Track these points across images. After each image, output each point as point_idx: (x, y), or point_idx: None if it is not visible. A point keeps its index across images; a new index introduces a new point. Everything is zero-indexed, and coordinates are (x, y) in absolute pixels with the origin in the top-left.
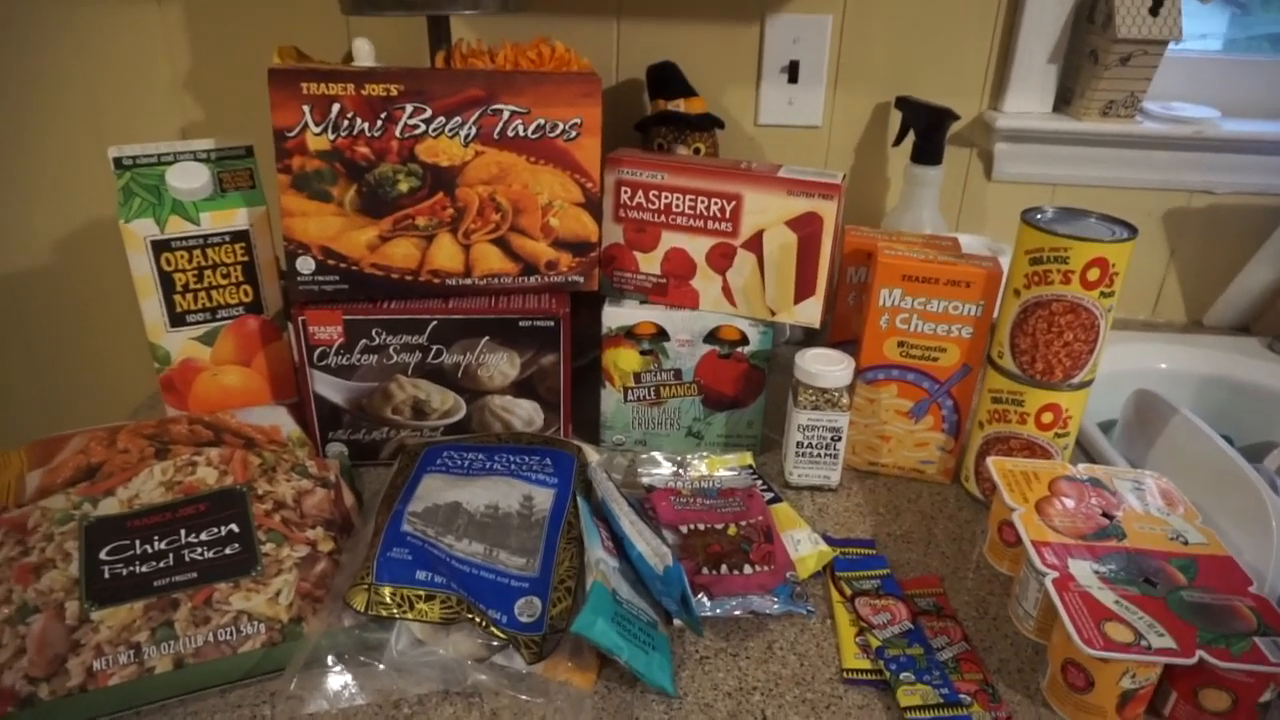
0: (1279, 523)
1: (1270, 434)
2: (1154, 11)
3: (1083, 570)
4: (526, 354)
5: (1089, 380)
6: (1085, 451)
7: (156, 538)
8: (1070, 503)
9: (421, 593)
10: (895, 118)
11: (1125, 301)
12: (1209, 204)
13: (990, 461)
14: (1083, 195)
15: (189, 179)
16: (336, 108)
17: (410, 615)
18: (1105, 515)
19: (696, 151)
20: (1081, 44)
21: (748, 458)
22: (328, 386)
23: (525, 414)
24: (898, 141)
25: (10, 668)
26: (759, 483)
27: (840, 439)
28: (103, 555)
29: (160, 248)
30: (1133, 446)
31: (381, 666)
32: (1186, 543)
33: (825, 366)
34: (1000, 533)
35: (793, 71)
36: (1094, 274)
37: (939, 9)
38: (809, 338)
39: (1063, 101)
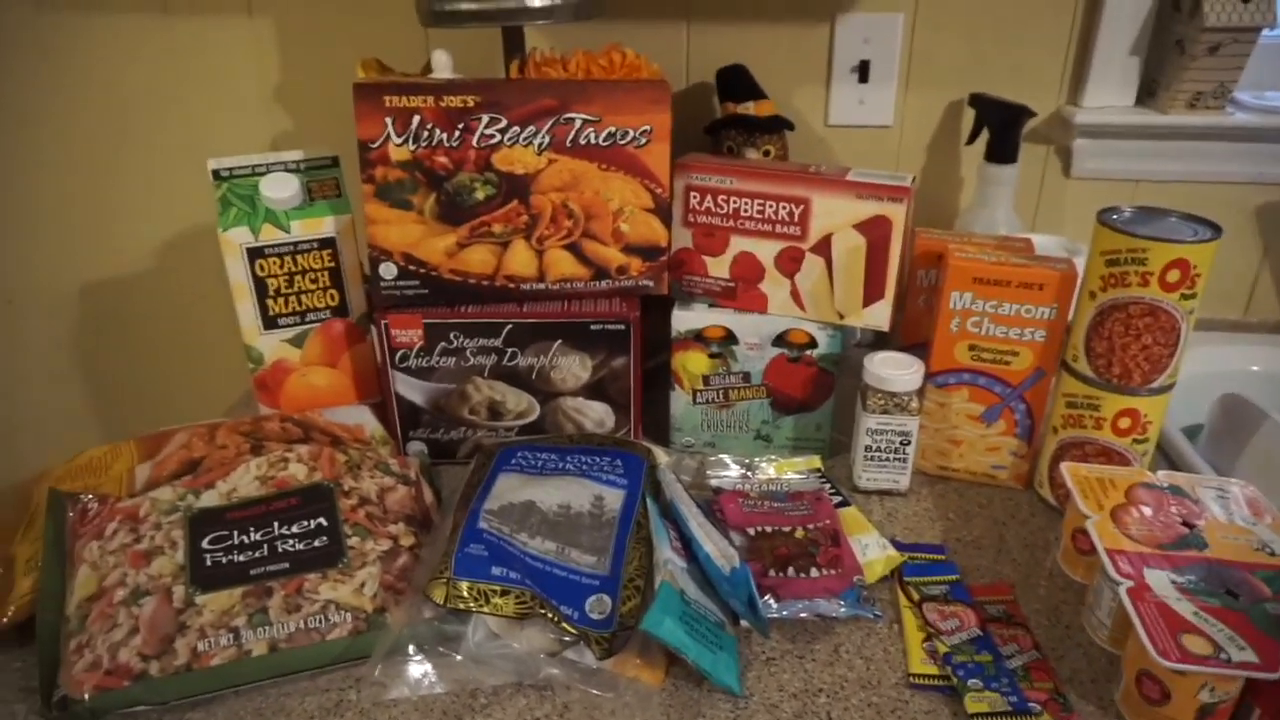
0: None
1: None
2: None
3: (1160, 580)
4: (598, 356)
5: (1169, 385)
6: (1168, 457)
7: (252, 529)
8: (1148, 511)
9: (497, 588)
10: (968, 115)
11: (1215, 301)
12: None
13: (1065, 467)
14: (1167, 191)
15: (281, 189)
16: (417, 119)
17: (486, 609)
18: (1186, 524)
19: (766, 154)
20: (1166, 34)
21: (816, 461)
22: (408, 387)
23: (596, 415)
24: (971, 140)
25: (126, 645)
26: (827, 486)
27: (909, 443)
28: (204, 544)
29: (254, 254)
30: (1220, 453)
31: (459, 657)
32: (1273, 554)
33: (894, 371)
34: (1074, 540)
35: (863, 71)
36: (1174, 276)
37: (1013, 2)
38: (879, 340)
39: (1146, 94)
